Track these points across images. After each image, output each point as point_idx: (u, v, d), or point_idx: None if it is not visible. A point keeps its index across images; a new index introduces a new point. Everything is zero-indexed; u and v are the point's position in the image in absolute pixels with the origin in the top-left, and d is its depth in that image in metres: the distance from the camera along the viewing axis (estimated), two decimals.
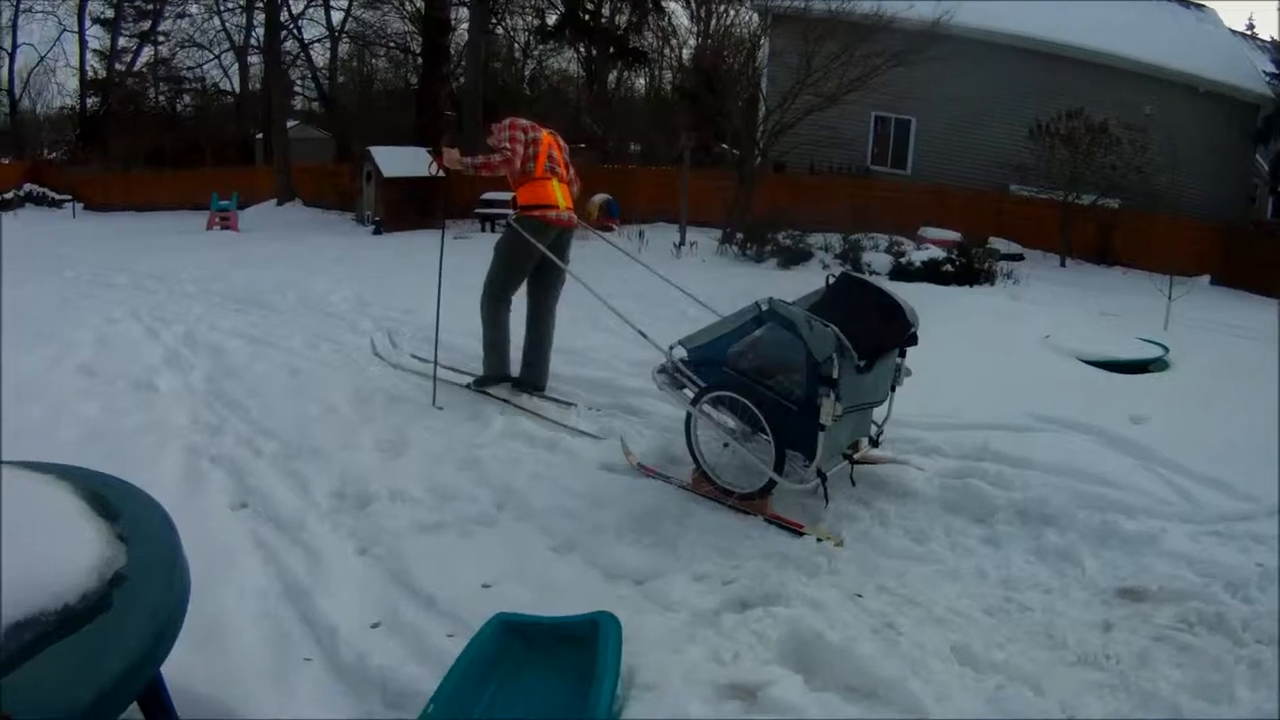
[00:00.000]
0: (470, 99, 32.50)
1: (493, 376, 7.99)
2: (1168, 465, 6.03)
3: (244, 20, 47.47)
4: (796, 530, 5.11)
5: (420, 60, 38.17)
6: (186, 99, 51.04)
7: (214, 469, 6.25)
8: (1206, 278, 20.12)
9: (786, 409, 5.36)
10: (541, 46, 43.04)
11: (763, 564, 4.61)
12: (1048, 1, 26.05)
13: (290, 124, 37.83)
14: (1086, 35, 25.69)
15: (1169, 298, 11.66)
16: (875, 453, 6.13)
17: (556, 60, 47.11)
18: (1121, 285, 17.44)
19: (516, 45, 46.43)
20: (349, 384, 8.32)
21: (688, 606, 4.22)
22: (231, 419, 7.40)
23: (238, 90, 50.57)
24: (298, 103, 48.03)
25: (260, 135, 44.83)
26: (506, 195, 21.94)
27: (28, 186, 40.21)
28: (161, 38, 49.00)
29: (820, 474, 5.27)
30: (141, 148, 43.97)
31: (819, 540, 4.93)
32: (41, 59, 50.65)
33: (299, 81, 47.79)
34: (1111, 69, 25.50)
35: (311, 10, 46.28)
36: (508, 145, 7.57)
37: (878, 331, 5.58)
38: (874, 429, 6.09)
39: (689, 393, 5.92)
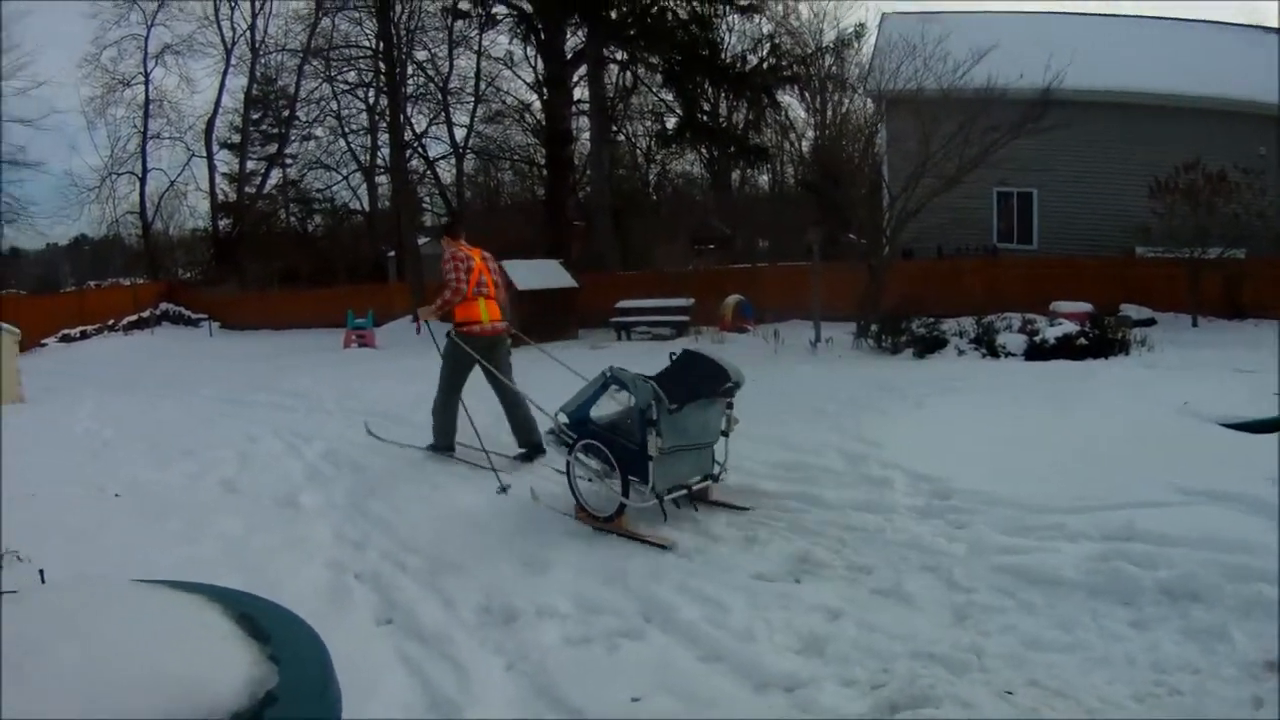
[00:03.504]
0: (598, 208, 32.89)
1: (441, 446, 10.35)
2: None
3: (369, 141, 48.84)
4: (639, 539, 6.96)
5: (544, 172, 38.70)
6: (317, 219, 52.10)
7: (358, 585, 6.46)
8: None
9: (629, 449, 7.18)
10: (663, 151, 43.38)
11: (911, 664, 4.59)
12: (1149, 51, 25.76)
13: (421, 240, 38.50)
14: (1192, 81, 25.07)
15: None
16: (714, 488, 7.83)
17: (679, 163, 47.50)
18: (1256, 339, 16.86)
19: (638, 151, 46.80)
20: (491, 498, 8.48)
21: (838, 714, 4.24)
22: (375, 535, 7.61)
23: (367, 209, 51.57)
24: (427, 219, 48.83)
25: (392, 253, 45.58)
26: (642, 303, 22.41)
27: (164, 305, 41.81)
28: (289, 160, 50.52)
29: (657, 495, 7.06)
30: (275, 267, 45.07)
31: (658, 546, 6.77)
32: (171, 183, 52.44)
33: (427, 198, 48.62)
34: (1222, 113, 24.79)
35: (435, 129, 47.22)
36: (453, 277, 9.82)
37: (693, 386, 7.36)
38: (716, 469, 7.73)
39: (567, 446, 7.79)
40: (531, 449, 9.89)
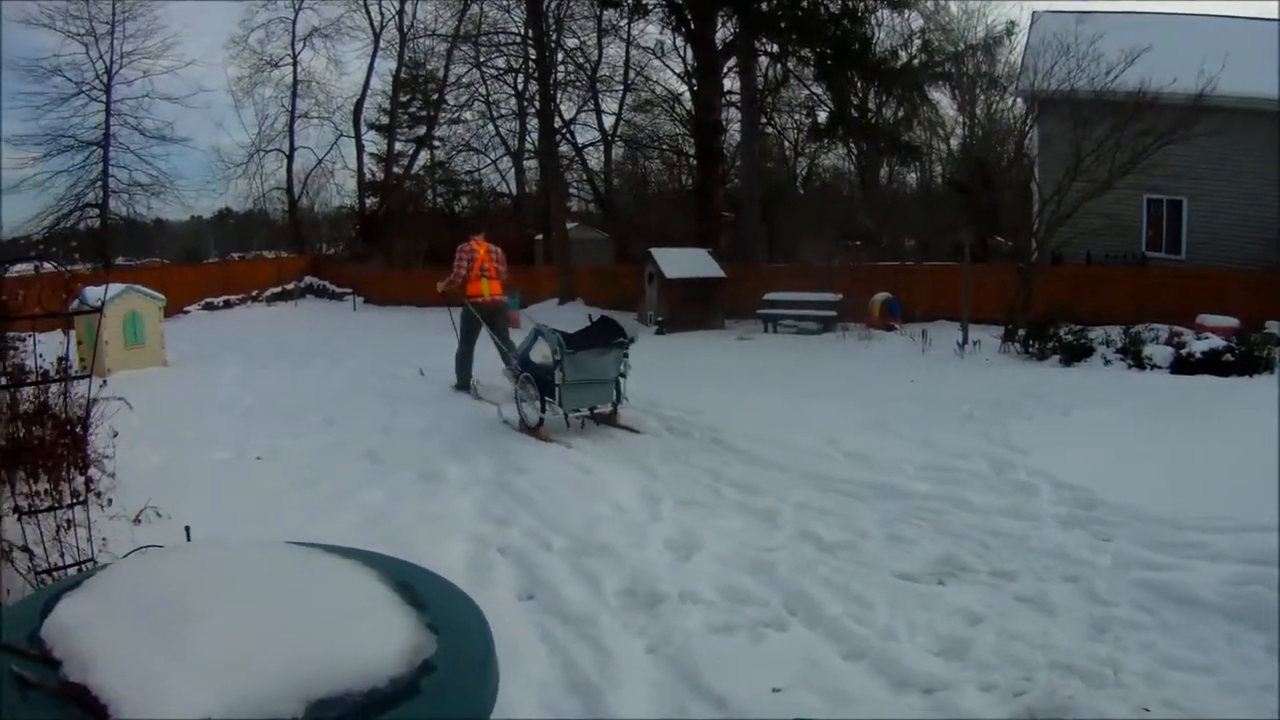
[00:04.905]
0: (746, 199, 32.81)
1: (461, 385, 14.16)
2: None
3: (517, 126, 49.30)
4: (549, 441, 10.45)
5: (693, 162, 38.61)
6: (464, 200, 52.00)
7: (501, 560, 6.61)
8: None
9: (547, 380, 10.71)
10: (813, 145, 43.05)
11: (1050, 674, 4.61)
12: None
13: (569, 225, 38.63)
14: None
15: None
16: (620, 415, 11.31)
17: (828, 158, 47.10)
18: None
19: (787, 144, 46.17)
20: (639, 483, 8.58)
21: (976, 718, 4.30)
22: (519, 512, 7.74)
23: (515, 193, 51.76)
24: (574, 204, 48.81)
25: (540, 236, 45.66)
26: (790, 296, 22.64)
27: (308, 279, 42.60)
28: (437, 143, 50.76)
29: (564, 412, 10.77)
30: (420, 246, 45.36)
31: (563, 446, 10.22)
32: (319, 162, 52.82)
33: (575, 184, 48.67)
34: None
35: (584, 115, 47.30)
36: (455, 268, 14.07)
37: (591, 337, 10.87)
38: (622, 400, 11.26)
39: (516, 379, 11.49)
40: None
